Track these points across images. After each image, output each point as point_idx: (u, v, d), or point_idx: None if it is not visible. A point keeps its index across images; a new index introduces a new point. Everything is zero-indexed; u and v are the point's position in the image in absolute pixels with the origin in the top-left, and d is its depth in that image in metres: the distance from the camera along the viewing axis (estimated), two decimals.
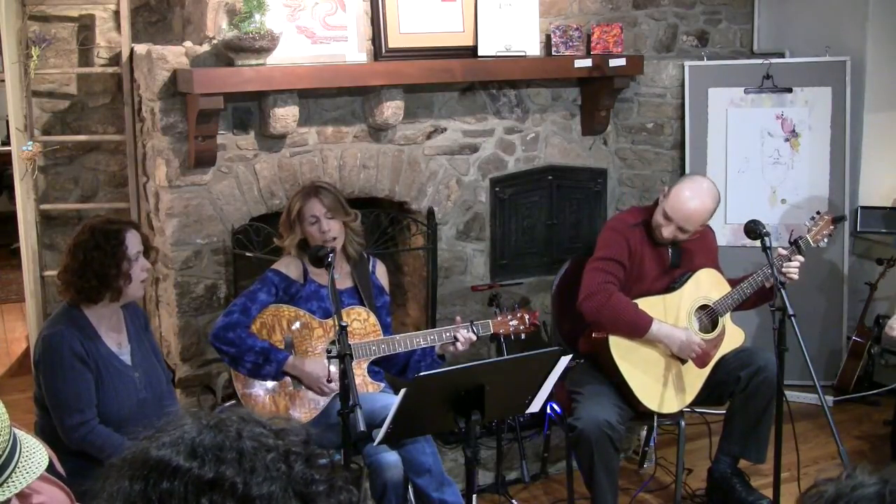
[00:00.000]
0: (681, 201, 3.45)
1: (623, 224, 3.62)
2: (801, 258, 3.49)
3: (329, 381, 3.17)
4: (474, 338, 3.31)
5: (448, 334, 3.28)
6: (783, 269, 3.39)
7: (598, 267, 3.50)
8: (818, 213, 3.67)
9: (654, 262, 3.58)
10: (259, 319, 3.25)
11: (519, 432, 3.80)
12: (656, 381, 3.47)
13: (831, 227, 3.62)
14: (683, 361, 3.49)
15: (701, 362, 3.52)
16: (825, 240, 3.66)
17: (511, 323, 3.41)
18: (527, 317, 3.43)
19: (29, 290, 4.32)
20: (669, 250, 3.61)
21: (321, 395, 3.23)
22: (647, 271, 3.56)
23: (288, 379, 3.24)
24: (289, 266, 3.36)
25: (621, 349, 3.43)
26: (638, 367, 3.44)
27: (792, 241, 3.54)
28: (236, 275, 3.85)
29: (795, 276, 3.43)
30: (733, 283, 3.62)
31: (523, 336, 3.45)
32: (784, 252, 3.47)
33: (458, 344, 3.26)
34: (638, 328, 3.40)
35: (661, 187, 3.62)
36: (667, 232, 3.49)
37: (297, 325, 3.28)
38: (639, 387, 3.42)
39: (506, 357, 3.30)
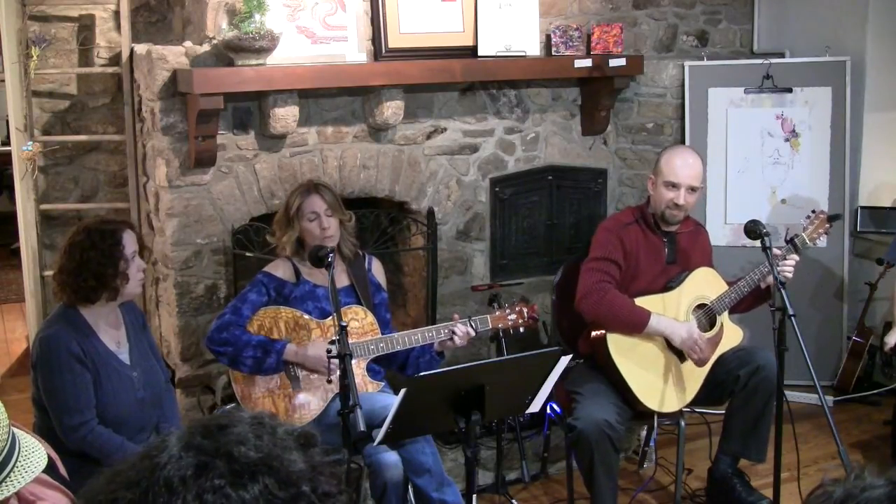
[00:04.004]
0: (678, 165, 3.55)
1: (617, 223, 3.65)
2: (796, 257, 3.50)
3: (329, 381, 3.17)
4: (473, 333, 3.30)
5: (446, 330, 3.28)
6: (778, 269, 3.40)
7: (593, 267, 3.52)
8: (813, 211, 3.69)
9: (650, 259, 3.59)
10: (257, 322, 3.24)
11: (519, 432, 3.80)
12: (655, 380, 3.47)
13: (827, 225, 3.63)
14: (682, 360, 3.49)
15: (700, 361, 3.52)
16: (822, 238, 3.68)
17: (510, 317, 3.40)
18: (525, 310, 3.42)
19: (29, 290, 4.32)
20: (666, 248, 3.62)
21: (328, 375, 3.20)
22: (644, 269, 3.58)
23: (288, 379, 3.24)
24: (280, 268, 3.35)
25: (620, 347, 3.43)
26: (637, 365, 3.44)
27: (788, 239, 3.55)
28: (236, 275, 3.85)
29: (790, 275, 3.44)
30: (729, 284, 3.62)
31: (522, 330, 3.44)
32: (778, 252, 3.48)
33: (456, 338, 3.25)
34: (636, 323, 3.41)
35: (648, 179, 3.67)
36: (680, 198, 3.52)
37: (305, 334, 3.27)
38: (638, 386, 3.42)
39: (506, 357, 3.30)
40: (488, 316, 3.38)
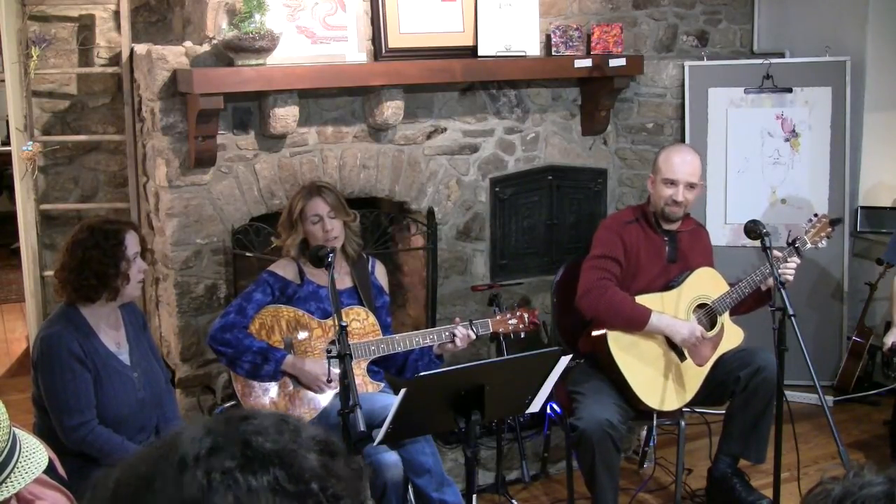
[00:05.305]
0: (676, 163, 3.58)
1: (617, 222, 3.67)
2: (797, 260, 3.51)
3: (329, 381, 3.17)
4: (473, 336, 3.31)
5: (447, 333, 3.28)
6: (779, 271, 3.40)
7: (593, 265, 3.54)
8: (815, 215, 3.69)
9: (651, 257, 3.60)
10: (258, 320, 3.25)
11: (519, 432, 3.80)
12: (655, 379, 3.47)
13: (829, 229, 3.63)
14: (683, 359, 3.50)
15: (700, 360, 3.53)
16: (823, 241, 3.68)
17: (510, 322, 3.41)
18: (526, 316, 3.43)
19: (29, 290, 4.32)
20: (667, 247, 3.63)
21: (320, 393, 3.23)
22: (645, 267, 3.59)
23: (287, 379, 3.24)
24: (284, 268, 3.36)
25: (620, 346, 3.44)
26: (637, 364, 3.45)
27: (789, 242, 3.56)
28: (236, 275, 3.85)
29: (791, 278, 3.45)
30: (730, 285, 3.63)
31: (523, 335, 3.45)
32: (780, 254, 3.48)
33: (457, 340, 3.26)
34: (637, 320, 3.42)
35: (648, 178, 3.69)
36: (679, 195, 3.55)
37: (303, 334, 3.28)
38: (638, 384, 3.43)
39: (506, 357, 3.30)
40: (489, 320, 3.39)
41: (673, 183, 3.55)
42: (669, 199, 3.56)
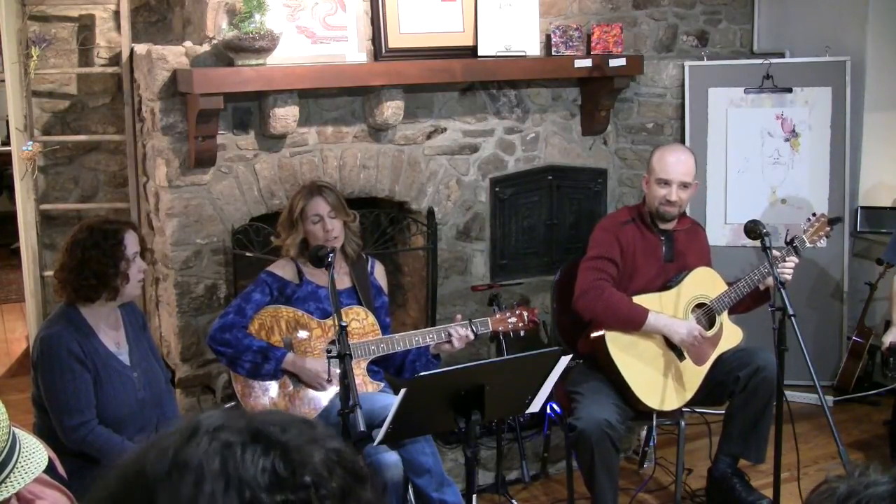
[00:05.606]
0: (670, 162, 3.60)
1: (613, 223, 3.68)
2: (795, 259, 3.51)
3: (329, 380, 3.17)
4: (472, 336, 3.31)
5: (446, 333, 3.28)
6: (777, 271, 3.40)
7: (590, 266, 3.55)
8: (814, 214, 3.71)
9: (647, 257, 3.61)
10: (258, 320, 3.24)
11: (519, 432, 3.80)
12: (655, 379, 3.47)
13: (827, 228, 3.65)
14: (682, 359, 3.50)
15: (699, 360, 3.53)
16: (822, 240, 3.68)
17: (510, 320, 3.41)
18: (525, 314, 3.43)
19: (29, 290, 4.32)
20: (663, 246, 3.63)
21: (321, 391, 3.23)
22: (642, 267, 3.59)
23: (288, 379, 3.24)
24: (283, 268, 3.36)
25: (619, 346, 3.44)
26: (636, 364, 3.45)
27: (788, 241, 3.56)
28: (236, 275, 3.85)
29: (789, 277, 3.45)
30: (728, 284, 3.63)
31: (522, 334, 3.45)
32: (778, 253, 3.48)
33: (454, 341, 3.26)
34: (634, 320, 3.42)
35: (643, 178, 3.70)
36: (672, 194, 3.56)
37: (303, 333, 3.28)
38: (637, 385, 3.43)
39: (506, 357, 3.30)
40: (489, 319, 3.39)
41: (667, 183, 3.56)
42: (663, 199, 3.57)
